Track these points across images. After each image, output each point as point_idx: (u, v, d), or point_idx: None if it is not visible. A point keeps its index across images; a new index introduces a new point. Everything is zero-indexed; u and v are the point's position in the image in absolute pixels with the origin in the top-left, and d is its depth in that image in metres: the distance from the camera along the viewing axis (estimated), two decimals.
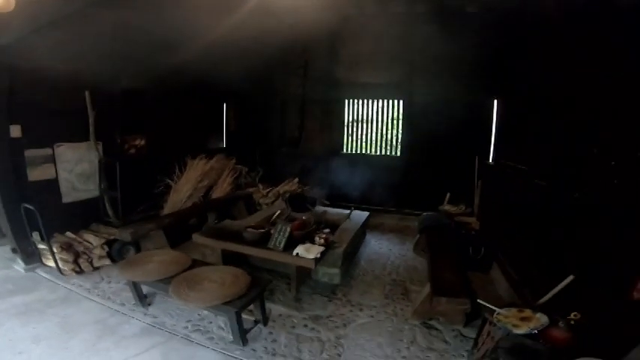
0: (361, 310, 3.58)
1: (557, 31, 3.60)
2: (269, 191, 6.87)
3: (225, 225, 4.60)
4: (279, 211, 4.95)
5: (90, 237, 4.40)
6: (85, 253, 4.18)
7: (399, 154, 7.27)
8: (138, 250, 4.46)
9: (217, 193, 6.43)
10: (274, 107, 7.95)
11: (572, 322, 2.29)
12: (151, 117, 5.81)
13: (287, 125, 7.88)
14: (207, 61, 5.37)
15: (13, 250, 4.21)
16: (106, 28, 4.16)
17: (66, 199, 4.69)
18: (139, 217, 5.22)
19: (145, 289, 3.50)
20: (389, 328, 3.28)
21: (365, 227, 5.42)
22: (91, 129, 4.78)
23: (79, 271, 4.08)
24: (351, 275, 4.35)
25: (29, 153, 4.26)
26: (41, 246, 4.14)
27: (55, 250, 3.97)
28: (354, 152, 7.61)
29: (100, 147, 4.96)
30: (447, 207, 5.99)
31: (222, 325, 3.18)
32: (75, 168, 4.76)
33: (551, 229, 3.18)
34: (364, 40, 6.79)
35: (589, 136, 2.86)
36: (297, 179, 7.36)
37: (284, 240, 3.65)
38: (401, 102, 7.06)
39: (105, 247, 4.32)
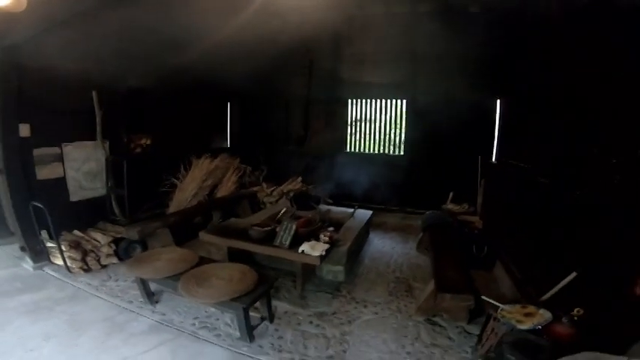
0: (365, 306, 3.62)
1: (557, 31, 3.62)
2: (273, 190, 6.92)
3: (231, 223, 4.64)
4: (284, 209, 4.99)
5: (97, 235, 4.46)
6: (92, 251, 4.23)
7: (402, 153, 7.29)
8: (144, 248, 4.51)
9: (222, 192, 6.48)
10: (278, 106, 7.99)
11: (576, 318, 2.33)
12: (157, 116, 5.87)
13: (292, 124, 7.93)
14: (213, 60, 5.41)
15: (22, 249, 4.25)
16: (113, 27, 4.18)
17: (73, 198, 4.76)
18: (144, 215, 5.28)
19: (152, 286, 3.55)
20: (393, 324, 3.31)
21: (368, 226, 5.45)
22: (98, 128, 4.85)
23: (87, 269, 4.12)
24: (355, 273, 4.38)
25: (38, 152, 4.32)
26: (50, 244, 4.19)
27: (63, 248, 4.02)
28: (357, 151, 7.65)
29: (107, 146, 5.03)
30: (450, 206, 6.02)
31: (229, 322, 3.22)
32: (82, 167, 4.82)
33: (553, 227, 3.21)
34: (368, 40, 6.83)
35: (589, 135, 2.89)
36: (300, 178, 7.40)
37: (289, 237, 3.70)
38: (404, 101, 7.10)
39: (112, 245, 4.37)
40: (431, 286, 3.36)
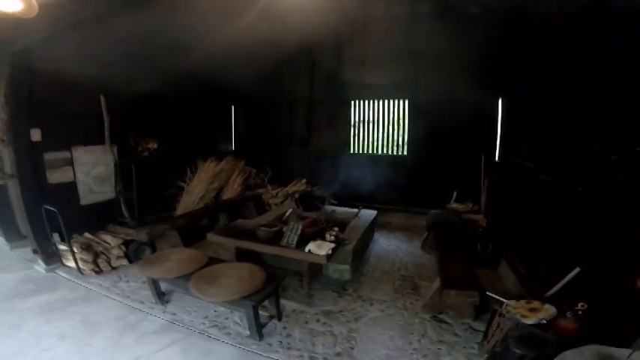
0: (372, 304, 3.67)
1: (556, 31, 3.67)
2: (278, 192, 6.99)
3: (238, 224, 4.71)
4: (290, 210, 5.06)
5: (107, 237, 4.54)
6: (103, 253, 4.32)
7: (405, 153, 7.33)
8: (153, 250, 4.59)
9: (228, 195, 6.55)
10: (282, 109, 8.07)
11: (580, 313, 2.36)
12: (163, 120, 5.96)
13: (295, 126, 8.00)
14: (217, 64, 5.48)
15: (34, 252, 4.34)
16: (120, 32, 4.25)
17: (84, 202, 4.85)
18: (152, 218, 5.36)
19: (162, 286, 3.61)
20: (400, 321, 3.36)
21: (373, 225, 5.50)
22: (107, 132, 4.94)
23: (98, 271, 4.21)
24: (361, 272, 4.43)
25: (49, 156, 4.41)
26: (61, 247, 4.27)
27: (75, 250, 4.10)
28: (361, 152, 7.70)
29: (115, 150, 5.11)
30: (454, 205, 6.05)
31: (238, 321, 3.28)
32: (92, 171, 4.91)
33: (556, 224, 3.25)
34: (369, 42, 6.88)
35: (589, 134, 2.93)
36: (305, 179, 7.47)
37: (296, 237, 3.76)
38: (406, 102, 7.13)
39: (122, 247, 4.45)
40: (436, 283, 3.40)
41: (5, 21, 2.85)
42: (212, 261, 3.54)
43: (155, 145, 5.80)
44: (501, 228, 4.65)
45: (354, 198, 6.95)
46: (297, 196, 6.28)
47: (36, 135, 4.23)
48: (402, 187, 7.06)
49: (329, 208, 5.69)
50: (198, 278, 3.08)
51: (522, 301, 2.61)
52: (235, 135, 8.28)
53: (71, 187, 4.70)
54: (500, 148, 5.91)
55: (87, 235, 4.58)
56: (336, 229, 4.36)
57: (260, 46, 5.79)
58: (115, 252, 4.39)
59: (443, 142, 6.63)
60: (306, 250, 3.65)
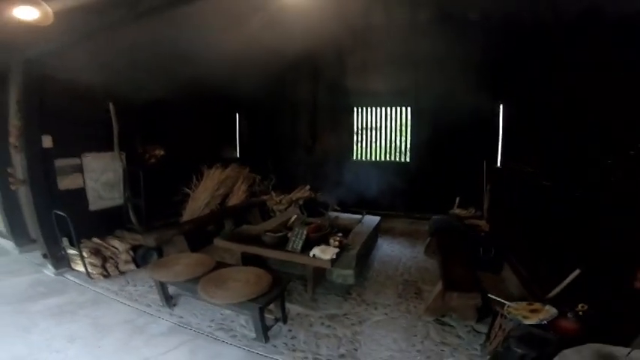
0: (376, 308, 3.71)
1: (554, 37, 3.74)
2: (282, 198, 7.07)
3: (244, 230, 4.79)
4: (295, 216, 5.13)
5: (115, 242, 4.62)
6: (111, 257, 4.39)
7: (408, 159, 7.40)
8: (160, 255, 4.66)
9: (233, 201, 6.63)
10: (286, 116, 8.19)
11: (580, 313, 2.41)
12: (170, 127, 6.05)
13: (299, 134, 8.11)
14: (222, 72, 5.58)
15: (44, 256, 4.42)
16: (129, 41, 4.32)
17: (92, 207, 4.94)
18: (159, 223, 5.43)
19: (170, 290, 3.67)
20: (403, 324, 3.40)
21: (377, 231, 5.55)
22: (115, 139, 5.04)
23: (107, 275, 4.28)
24: (365, 277, 4.47)
25: (59, 162, 4.52)
26: (71, 251, 4.36)
27: (84, 254, 4.19)
28: (364, 159, 7.78)
29: (124, 157, 5.21)
30: (457, 210, 6.09)
31: (244, 324, 3.33)
32: (100, 177, 5.01)
33: (557, 228, 3.30)
34: (371, 49, 6.95)
35: (587, 138, 3.00)
36: (308, 186, 7.54)
37: (301, 242, 3.83)
38: (409, 108, 7.22)
39: (130, 252, 4.53)
40: (439, 286, 3.44)
41: (19, 29, 2.91)
42: (219, 265, 3.61)
43: (162, 152, 5.90)
44: (503, 232, 4.69)
45: (358, 204, 6.99)
46: (301, 202, 6.35)
47: (47, 142, 4.35)
48: (405, 193, 7.11)
49: (333, 214, 5.74)
50: (207, 281, 3.15)
51: (524, 303, 2.66)
52: (240, 142, 8.38)
53: (80, 193, 4.80)
54: (502, 154, 5.97)
55: (95, 240, 4.66)
56: (340, 234, 4.43)
57: (264, 55, 5.89)
58: (123, 257, 4.47)
59: (445, 148, 6.69)
60: (311, 254, 3.72)
